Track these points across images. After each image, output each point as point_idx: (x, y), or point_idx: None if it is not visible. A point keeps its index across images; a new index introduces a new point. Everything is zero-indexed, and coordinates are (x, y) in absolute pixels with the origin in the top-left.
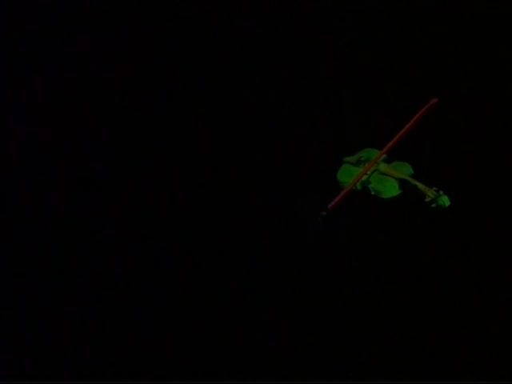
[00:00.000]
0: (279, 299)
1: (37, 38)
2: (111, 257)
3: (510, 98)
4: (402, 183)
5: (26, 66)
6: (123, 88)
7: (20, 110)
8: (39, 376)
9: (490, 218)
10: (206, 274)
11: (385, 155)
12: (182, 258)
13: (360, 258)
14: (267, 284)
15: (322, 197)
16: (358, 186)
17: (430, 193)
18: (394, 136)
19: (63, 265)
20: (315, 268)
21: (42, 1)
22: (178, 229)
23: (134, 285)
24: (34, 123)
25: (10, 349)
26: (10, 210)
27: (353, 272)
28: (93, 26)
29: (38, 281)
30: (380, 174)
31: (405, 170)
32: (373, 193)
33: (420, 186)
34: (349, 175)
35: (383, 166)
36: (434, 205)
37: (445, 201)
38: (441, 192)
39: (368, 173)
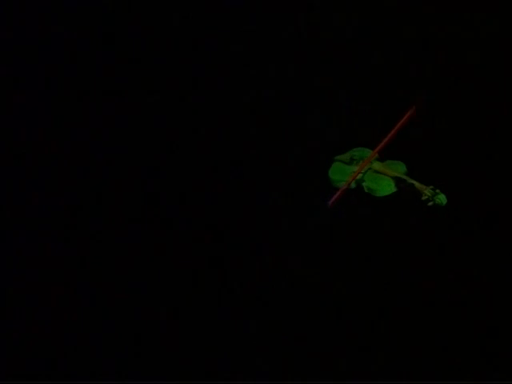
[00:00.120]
0: (277, 299)
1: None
2: (111, 257)
3: (504, 95)
4: (397, 182)
5: (26, 66)
6: (123, 88)
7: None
8: (39, 376)
9: (487, 216)
10: (205, 274)
11: (376, 154)
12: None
13: (358, 255)
14: (264, 285)
15: (315, 195)
16: (352, 184)
17: (427, 191)
18: (384, 135)
19: (63, 265)
20: (313, 266)
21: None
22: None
23: (134, 285)
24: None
25: (10, 349)
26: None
27: (351, 270)
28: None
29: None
30: (374, 173)
31: (399, 169)
32: (367, 191)
33: (416, 184)
34: (341, 173)
35: (377, 165)
36: (430, 203)
37: (442, 199)
38: (437, 190)
39: (362, 171)
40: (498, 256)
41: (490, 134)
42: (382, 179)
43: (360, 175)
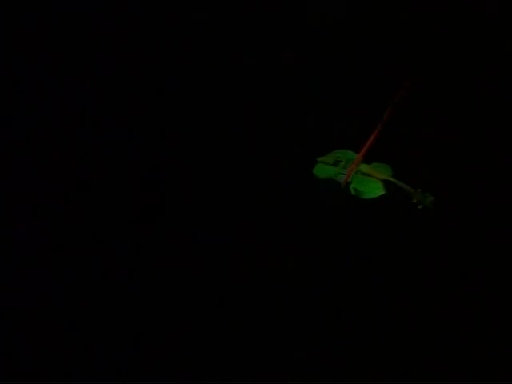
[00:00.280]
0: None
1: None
2: (110, 257)
3: (490, 94)
4: (386, 184)
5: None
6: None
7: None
8: (39, 376)
9: (477, 217)
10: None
11: (360, 157)
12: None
13: (349, 257)
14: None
15: (297, 198)
16: (338, 185)
17: (417, 194)
18: (364, 137)
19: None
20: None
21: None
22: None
23: (134, 285)
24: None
25: (10, 349)
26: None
27: (342, 273)
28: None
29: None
30: (361, 175)
31: (386, 171)
32: (354, 193)
33: (405, 187)
34: (326, 173)
35: (364, 167)
36: (420, 206)
37: (432, 202)
38: (427, 193)
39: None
40: (490, 256)
41: (474, 134)
42: (370, 181)
43: (344, 176)
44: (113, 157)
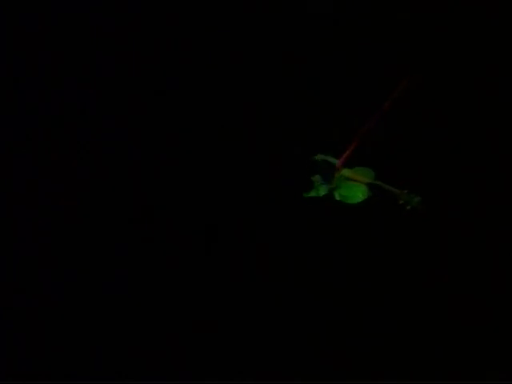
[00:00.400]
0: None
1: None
2: (110, 257)
3: (471, 92)
4: (370, 188)
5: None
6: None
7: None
8: (39, 376)
9: (465, 217)
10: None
11: (340, 163)
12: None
13: (338, 262)
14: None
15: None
16: (321, 192)
17: (403, 195)
18: (343, 142)
19: (63, 265)
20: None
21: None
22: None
23: (134, 285)
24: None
25: (10, 349)
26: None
27: (331, 278)
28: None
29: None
30: (345, 180)
31: (369, 175)
32: (339, 198)
33: (391, 189)
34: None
35: (347, 172)
36: (408, 207)
37: (419, 203)
38: (413, 194)
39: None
40: (480, 256)
41: (453, 135)
42: (354, 186)
43: (329, 183)
44: (113, 157)
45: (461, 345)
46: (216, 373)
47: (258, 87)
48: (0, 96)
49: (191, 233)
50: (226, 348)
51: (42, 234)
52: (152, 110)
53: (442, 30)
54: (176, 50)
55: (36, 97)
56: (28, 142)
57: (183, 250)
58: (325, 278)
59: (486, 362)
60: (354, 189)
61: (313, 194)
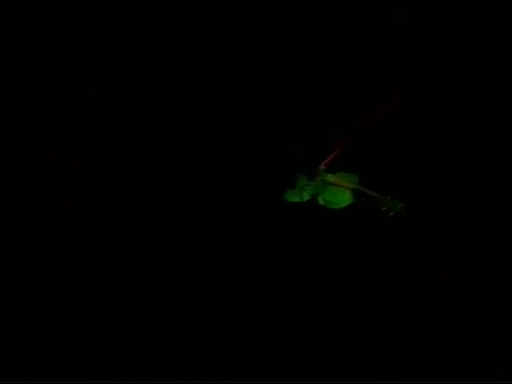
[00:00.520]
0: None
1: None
2: (110, 257)
3: (454, 97)
4: (355, 193)
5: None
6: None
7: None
8: (39, 376)
9: (448, 221)
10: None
11: (324, 167)
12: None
13: (322, 268)
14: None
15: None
16: (305, 197)
17: (387, 201)
18: (326, 148)
19: (63, 265)
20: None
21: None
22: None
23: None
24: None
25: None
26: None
27: (316, 282)
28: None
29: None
30: (329, 185)
31: (352, 180)
32: (323, 203)
33: (375, 194)
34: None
35: (331, 177)
36: (391, 213)
37: (402, 208)
38: (396, 200)
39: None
40: (462, 260)
41: (436, 140)
42: (338, 191)
43: (311, 188)
44: (113, 157)
45: (461, 345)
46: (216, 373)
47: (258, 87)
48: (0, 96)
49: (191, 233)
50: (225, 348)
51: (42, 234)
52: (152, 110)
53: (442, 29)
54: (176, 50)
55: (36, 97)
56: (28, 142)
57: (183, 250)
58: (325, 278)
59: (486, 362)
60: (339, 194)
61: (297, 199)
